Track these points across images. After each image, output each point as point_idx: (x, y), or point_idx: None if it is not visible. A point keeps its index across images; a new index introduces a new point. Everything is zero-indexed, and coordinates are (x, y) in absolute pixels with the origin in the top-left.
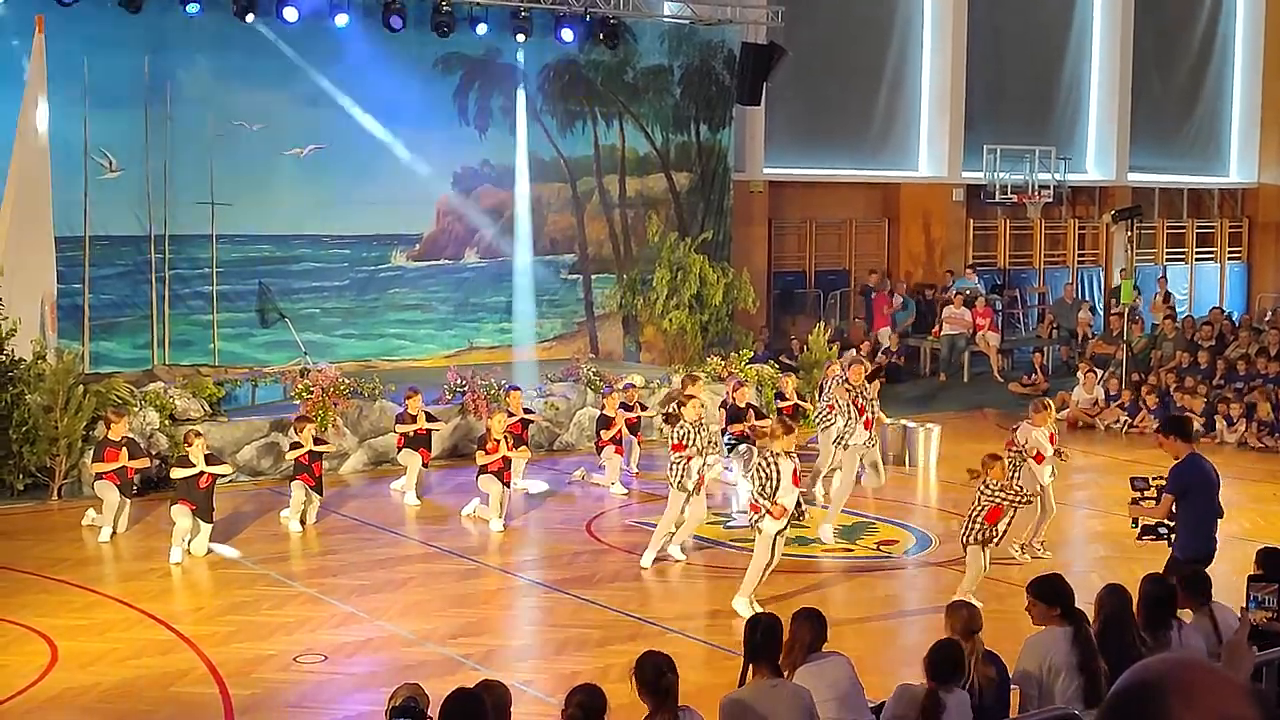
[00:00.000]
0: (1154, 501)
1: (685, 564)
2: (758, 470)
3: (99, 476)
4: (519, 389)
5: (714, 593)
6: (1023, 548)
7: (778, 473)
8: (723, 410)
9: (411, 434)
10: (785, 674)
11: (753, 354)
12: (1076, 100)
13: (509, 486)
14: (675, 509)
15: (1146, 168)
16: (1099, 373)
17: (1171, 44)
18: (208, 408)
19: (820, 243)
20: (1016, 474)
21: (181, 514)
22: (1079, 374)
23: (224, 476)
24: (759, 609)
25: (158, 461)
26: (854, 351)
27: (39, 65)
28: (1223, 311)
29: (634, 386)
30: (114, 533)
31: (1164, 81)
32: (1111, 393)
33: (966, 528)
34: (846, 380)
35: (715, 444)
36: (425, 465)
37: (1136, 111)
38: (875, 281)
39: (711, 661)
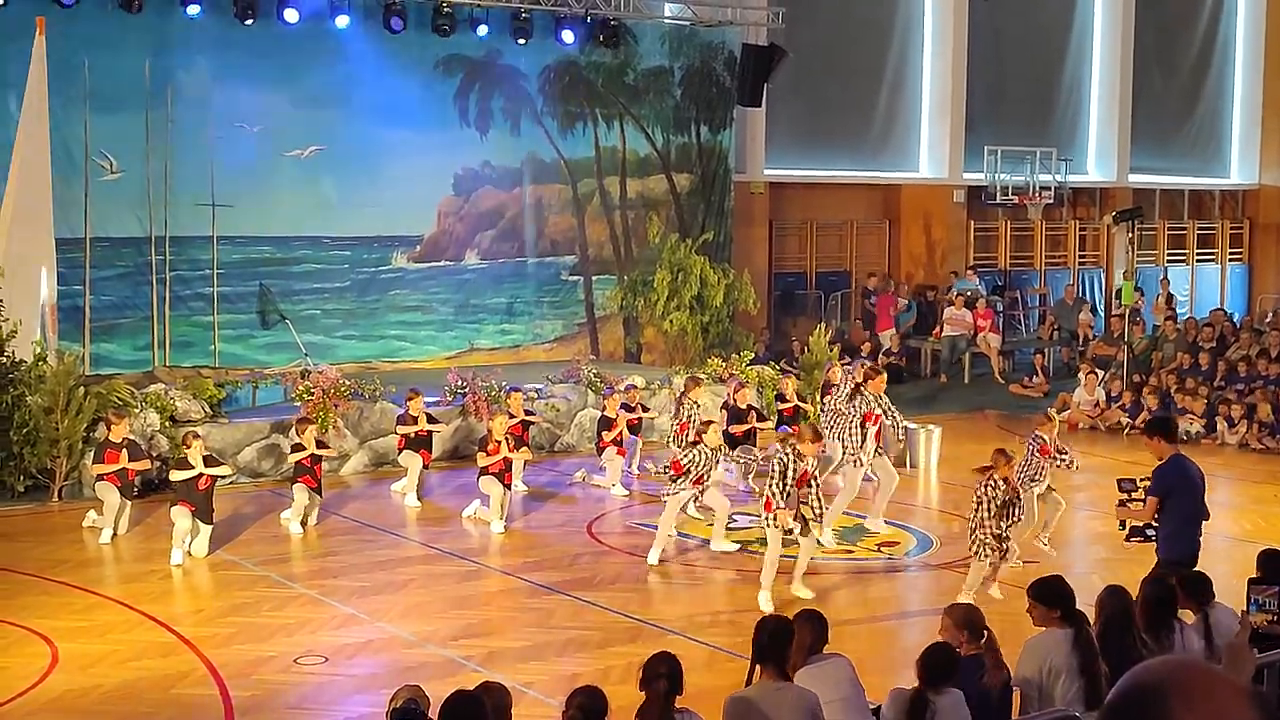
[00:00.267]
0: (1142, 503)
1: (718, 557)
2: (778, 462)
3: (99, 478)
4: (519, 390)
5: (715, 594)
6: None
7: (795, 471)
8: (724, 411)
9: (412, 435)
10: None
11: (753, 355)
12: (1077, 101)
13: (510, 488)
14: (673, 510)
15: (1147, 169)
16: (1100, 374)
17: (1172, 45)
18: (208, 409)
19: (821, 244)
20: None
21: (181, 515)
22: (1080, 375)
23: (223, 478)
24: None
25: (158, 463)
26: (866, 361)
27: (40, 67)
28: (1224, 313)
29: (635, 387)
30: (115, 534)
31: (1165, 82)
32: (1113, 394)
33: (974, 533)
34: (860, 389)
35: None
36: (426, 467)
37: (1137, 113)
38: (875, 284)
39: (713, 663)
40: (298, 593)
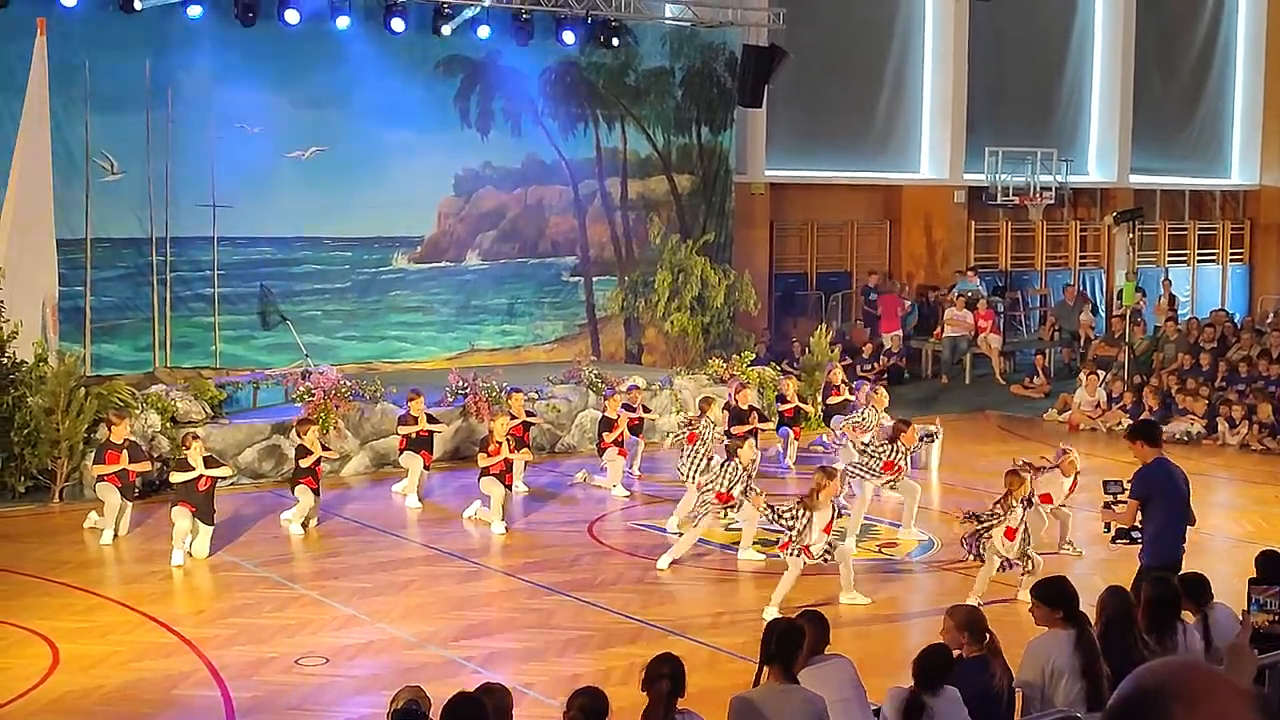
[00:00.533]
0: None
1: (721, 557)
2: (790, 516)
3: (100, 479)
4: (520, 391)
5: (716, 595)
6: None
7: (810, 522)
8: (726, 412)
9: (413, 436)
10: None
11: (754, 356)
12: (1078, 102)
13: (510, 489)
14: (688, 503)
15: (1148, 170)
16: (1101, 375)
17: (1173, 46)
18: (209, 410)
19: (822, 245)
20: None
21: (181, 516)
22: (1081, 376)
23: (224, 479)
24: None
25: (159, 464)
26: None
27: (41, 68)
28: (1225, 313)
29: (637, 388)
30: (115, 535)
31: (1165, 83)
32: (1114, 395)
33: (983, 536)
34: (898, 439)
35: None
36: (427, 468)
37: (1138, 113)
38: (876, 282)
39: (714, 664)
40: (299, 594)
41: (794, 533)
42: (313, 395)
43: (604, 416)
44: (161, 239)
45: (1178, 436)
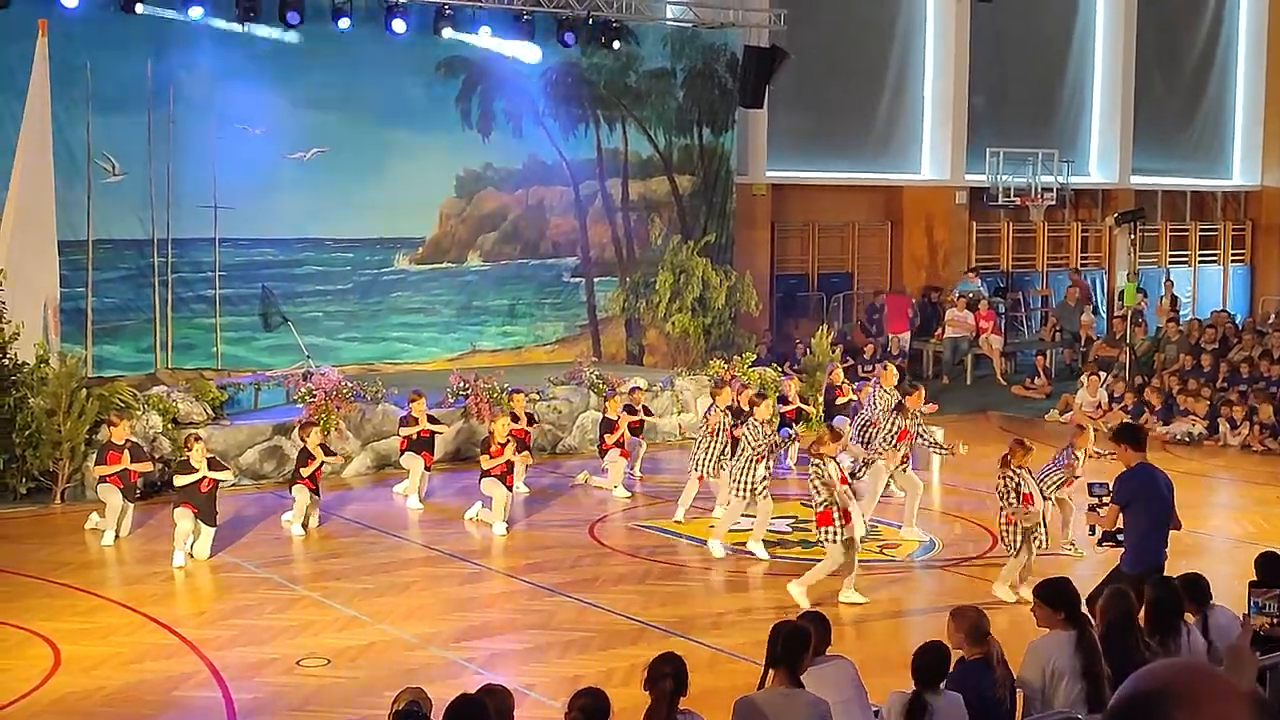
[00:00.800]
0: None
1: (757, 561)
2: (814, 478)
3: (102, 480)
4: (521, 392)
5: (717, 596)
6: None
7: (830, 476)
8: (727, 412)
9: (415, 437)
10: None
11: (755, 357)
12: (1079, 103)
13: (512, 490)
14: (736, 512)
15: (1149, 170)
16: (1102, 376)
17: (1174, 47)
18: (210, 411)
19: (823, 246)
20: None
21: (183, 517)
22: (1082, 377)
23: (226, 481)
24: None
25: (160, 465)
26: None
27: (42, 69)
28: (1226, 314)
29: (639, 389)
30: (117, 536)
31: (1167, 84)
32: (1115, 396)
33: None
34: (903, 407)
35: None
36: (428, 469)
37: (1139, 114)
38: (881, 302)
39: (715, 665)
40: (300, 595)
41: (824, 486)
42: (314, 396)
43: (605, 418)
44: (163, 240)
45: (1179, 437)
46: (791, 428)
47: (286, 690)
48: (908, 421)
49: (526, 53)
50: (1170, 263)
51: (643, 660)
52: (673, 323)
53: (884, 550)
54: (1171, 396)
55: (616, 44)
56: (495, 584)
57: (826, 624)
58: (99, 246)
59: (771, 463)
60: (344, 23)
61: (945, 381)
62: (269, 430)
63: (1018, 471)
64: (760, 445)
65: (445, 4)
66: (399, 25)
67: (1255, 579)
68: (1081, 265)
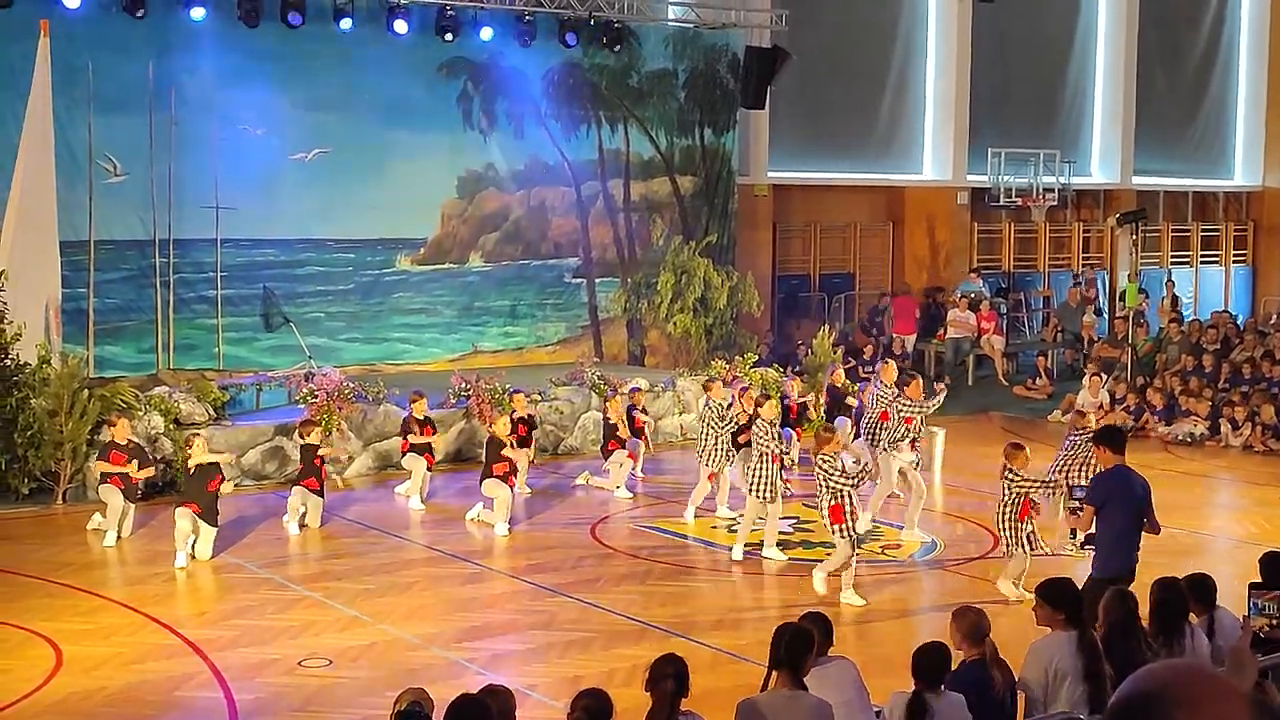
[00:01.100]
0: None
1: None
2: (823, 479)
3: (103, 480)
4: (522, 392)
5: (718, 596)
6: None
7: (846, 467)
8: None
9: (419, 435)
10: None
11: (757, 358)
12: (1081, 103)
13: (514, 491)
14: (754, 512)
15: (1151, 171)
16: (1104, 376)
17: (1176, 46)
18: (212, 412)
19: (824, 246)
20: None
21: (183, 517)
22: (1084, 378)
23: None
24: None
25: (163, 466)
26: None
27: (44, 70)
28: (1228, 315)
29: (640, 390)
30: (118, 537)
31: (1169, 84)
32: (1117, 396)
33: (1004, 529)
34: (904, 395)
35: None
36: (429, 469)
37: (1141, 114)
38: (885, 304)
39: (716, 665)
40: (301, 595)
41: (843, 476)
42: (316, 397)
43: (608, 419)
44: (165, 241)
45: (1181, 438)
46: (792, 428)
47: (288, 691)
48: (907, 410)
49: (528, 54)
50: (1172, 263)
51: (644, 661)
52: (674, 323)
53: (886, 551)
54: (1173, 397)
55: (618, 45)
56: (497, 584)
57: (829, 625)
58: (101, 247)
59: (784, 461)
60: (346, 23)
61: (947, 382)
62: (270, 431)
63: (1015, 474)
64: (770, 445)
65: (447, 5)
66: (400, 26)
67: (1257, 580)
68: (1083, 266)
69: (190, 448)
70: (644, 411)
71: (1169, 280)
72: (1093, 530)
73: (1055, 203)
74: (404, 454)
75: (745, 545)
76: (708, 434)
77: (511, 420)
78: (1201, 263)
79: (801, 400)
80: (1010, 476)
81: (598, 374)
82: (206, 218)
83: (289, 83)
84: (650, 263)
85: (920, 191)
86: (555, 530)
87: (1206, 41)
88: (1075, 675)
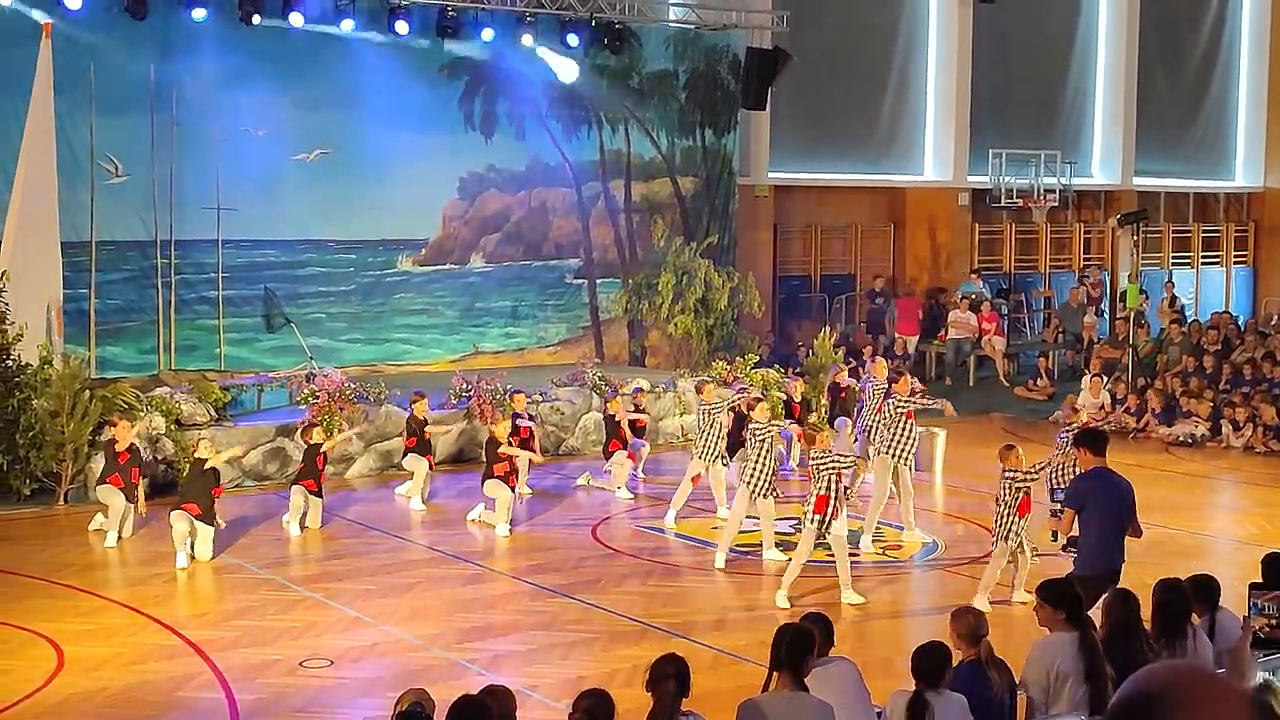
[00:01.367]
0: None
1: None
2: (815, 471)
3: (102, 481)
4: (522, 392)
5: (720, 597)
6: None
7: (840, 464)
8: (731, 413)
9: (420, 438)
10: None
11: (758, 359)
12: (1082, 104)
13: (515, 491)
14: (741, 511)
15: (1152, 172)
16: (1105, 377)
17: (1177, 47)
18: (213, 413)
19: (826, 247)
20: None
21: (179, 519)
22: (1085, 379)
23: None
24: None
25: (164, 467)
26: (882, 361)
27: (45, 71)
28: (1229, 315)
29: (642, 390)
30: (120, 538)
31: (1170, 85)
32: (1118, 397)
33: (1000, 523)
34: (890, 392)
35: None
36: (431, 469)
37: (1142, 115)
38: (880, 286)
39: (718, 666)
40: (303, 596)
41: (837, 469)
42: (317, 398)
43: (609, 420)
44: (166, 242)
45: (1182, 439)
46: (792, 429)
47: (289, 691)
48: (901, 405)
49: (530, 55)
50: (1173, 264)
51: (645, 661)
52: (675, 324)
53: (887, 551)
54: (1174, 398)
55: (619, 46)
56: (498, 585)
57: (830, 625)
58: (102, 248)
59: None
60: (347, 24)
61: (948, 383)
62: (272, 432)
63: (1011, 474)
64: (763, 446)
65: (448, 6)
66: (402, 27)
67: (1257, 580)
68: (1088, 266)
69: (195, 450)
70: (640, 410)
71: (1168, 281)
72: (1074, 533)
73: (1056, 203)
74: (405, 454)
75: (745, 546)
76: (702, 435)
77: (514, 424)
78: (1202, 264)
79: (804, 399)
80: (1009, 476)
81: (599, 375)
82: (208, 218)
83: (290, 84)
84: (651, 264)
85: (921, 192)
86: (556, 531)
87: (1207, 42)
88: (1076, 676)
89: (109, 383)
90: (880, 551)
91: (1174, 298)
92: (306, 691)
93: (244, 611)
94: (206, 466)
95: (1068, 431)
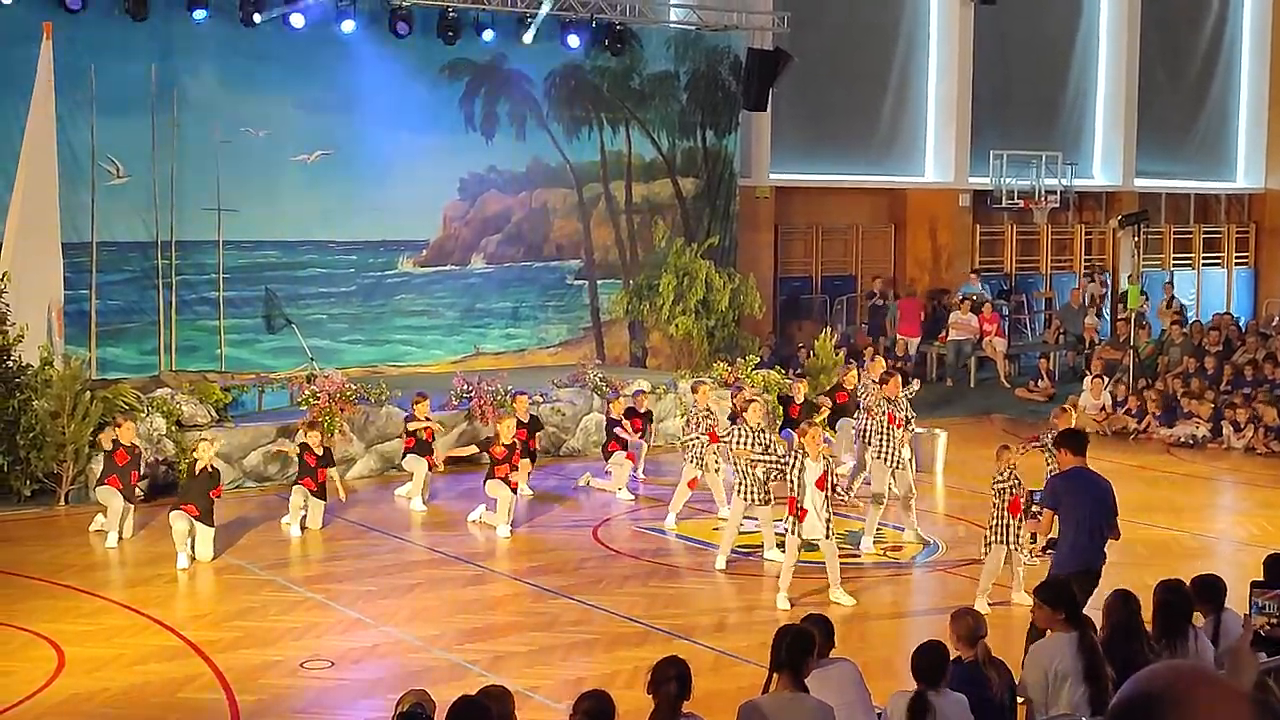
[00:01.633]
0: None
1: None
2: (782, 453)
3: (102, 482)
4: (525, 394)
5: (721, 598)
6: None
7: (803, 468)
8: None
9: (424, 434)
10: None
11: (759, 360)
12: (1083, 106)
13: (516, 492)
14: (738, 516)
15: (1153, 173)
16: (1105, 379)
17: (1178, 48)
18: (214, 414)
19: (826, 248)
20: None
21: (178, 519)
22: (1086, 380)
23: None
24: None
25: (163, 467)
26: (881, 359)
27: (47, 72)
28: (1230, 317)
29: (643, 392)
30: (120, 538)
31: (1171, 86)
32: (1118, 398)
33: (993, 523)
34: (880, 391)
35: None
36: (431, 470)
37: (1143, 116)
38: (879, 287)
39: (719, 668)
40: (303, 597)
41: (785, 467)
42: (318, 399)
43: (610, 420)
44: (167, 242)
45: (1183, 440)
46: (792, 429)
47: (290, 692)
48: (890, 407)
49: (530, 55)
50: (1174, 265)
51: (646, 663)
52: (676, 325)
53: (887, 552)
54: (1175, 399)
55: (620, 47)
56: (499, 586)
57: (830, 626)
58: (103, 249)
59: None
60: (348, 25)
61: (949, 384)
62: (273, 433)
63: (1003, 473)
64: (752, 448)
65: (449, 7)
66: (402, 28)
67: (1261, 579)
68: (1091, 266)
69: (195, 452)
70: (637, 412)
71: (1168, 282)
72: (1054, 535)
73: (1057, 205)
74: (405, 454)
75: (746, 548)
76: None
77: (519, 421)
78: (1203, 265)
79: (808, 400)
80: (998, 477)
81: (599, 376)
82: (208, 219)
83: (291, 85)
84: (652, 265)
85: (922, 193)
86: (557, 532)
87: (1208, 43)
88: (1076, 677)
89: (109, 384)
90: (881, 552)
91: (1171, 298)
92: (307, 693)
93: (245, 612)
94: (205, 468)
95: (1048, 433)
